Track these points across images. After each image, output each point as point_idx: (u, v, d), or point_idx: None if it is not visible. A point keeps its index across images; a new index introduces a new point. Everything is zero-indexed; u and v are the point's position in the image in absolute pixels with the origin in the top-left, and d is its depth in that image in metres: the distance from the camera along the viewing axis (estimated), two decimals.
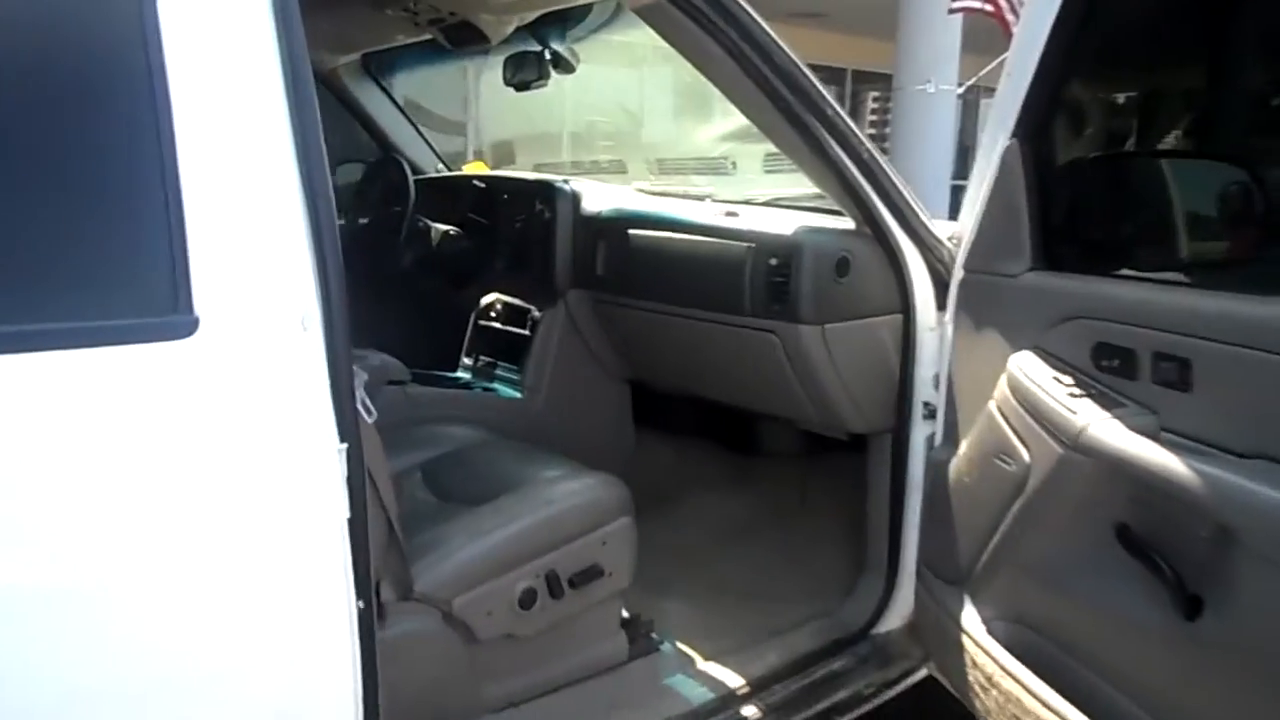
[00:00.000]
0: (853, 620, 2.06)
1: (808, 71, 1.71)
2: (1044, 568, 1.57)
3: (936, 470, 1.86)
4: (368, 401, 1.37)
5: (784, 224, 2.01)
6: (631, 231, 2.27)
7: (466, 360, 2.69)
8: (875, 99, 11.34)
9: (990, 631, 1.69)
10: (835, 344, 1.94)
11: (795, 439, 2.47)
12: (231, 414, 1.06)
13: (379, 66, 3.13)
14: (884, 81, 8.24)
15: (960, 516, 1.75)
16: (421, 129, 3.27)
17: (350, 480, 1.19)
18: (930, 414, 1.92)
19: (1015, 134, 1.60)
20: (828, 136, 1.75)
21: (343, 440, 1.15)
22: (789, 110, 1.71)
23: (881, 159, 1.83)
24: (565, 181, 2.52)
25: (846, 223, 1.98)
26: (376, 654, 1.31)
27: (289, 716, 1.16)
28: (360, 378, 1.35)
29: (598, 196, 2.48)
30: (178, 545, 1.05)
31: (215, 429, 1.05)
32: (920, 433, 1.95)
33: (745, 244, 2.01)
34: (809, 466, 2.58)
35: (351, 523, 1.19)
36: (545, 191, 2.51)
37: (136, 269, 1.03)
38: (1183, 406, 1.31)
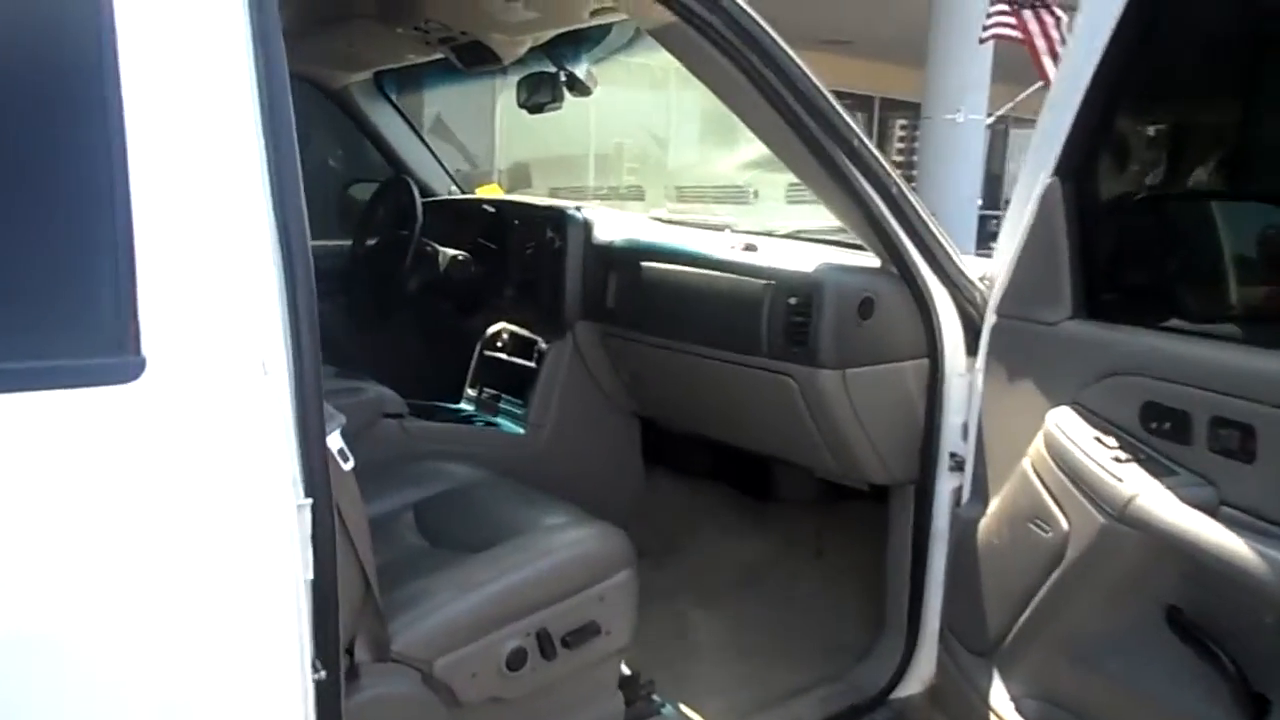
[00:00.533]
0: (870, 683, 1.93)
1: (833, 99, 1.59)
2: (1082, 646, 1.43)
3: (964, 529, 1.73)
4: (345, 448, 1.26)
5: (805, 260, 1.89)
6: (644, 264, 2.16)
7: (470, 392, 2.58)
8: (903, 127, 11.23)
9: (1020, 710, 1.55)
10: (856, 390, 1.81)
11: (813, 485, 2.34)
12: (180, 466, 0.95)
13: (396, 85, 3.06)
14: (912, 110, 8.12)
15: (989, 582, 1.62)
16: (435, 150, 3.18)
17: (316, 538, 1.09)
18: (957, 466, 1.79)
19: (1057, 171, 1.48)
20: (853, 169, 1.63)
21: (308, 495, 1.04)
22: (812, 139, 1.59)
23: (910, 193, 1.72)
24: (578, 209, 2.42)
25: (871, 260, 1.86)
26: None
27: None
28: (337, 421, 1.24)
29: (611, 225, 2.37)
30: (112, 607, 0.94)
31: (161, 481, 0.95)
32: (946, 485, 1.82)
33: (763, 281, 1.89)
34: (827, 515, 2.45)
35: (316, 584, 1.08)
36: (556, 219, 2.40)
37: (77, 305, 0.93)
38: (1245, 479, 1.18)
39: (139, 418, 0.93)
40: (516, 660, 1.50)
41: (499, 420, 2.43)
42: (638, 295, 2.19)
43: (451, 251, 2.66)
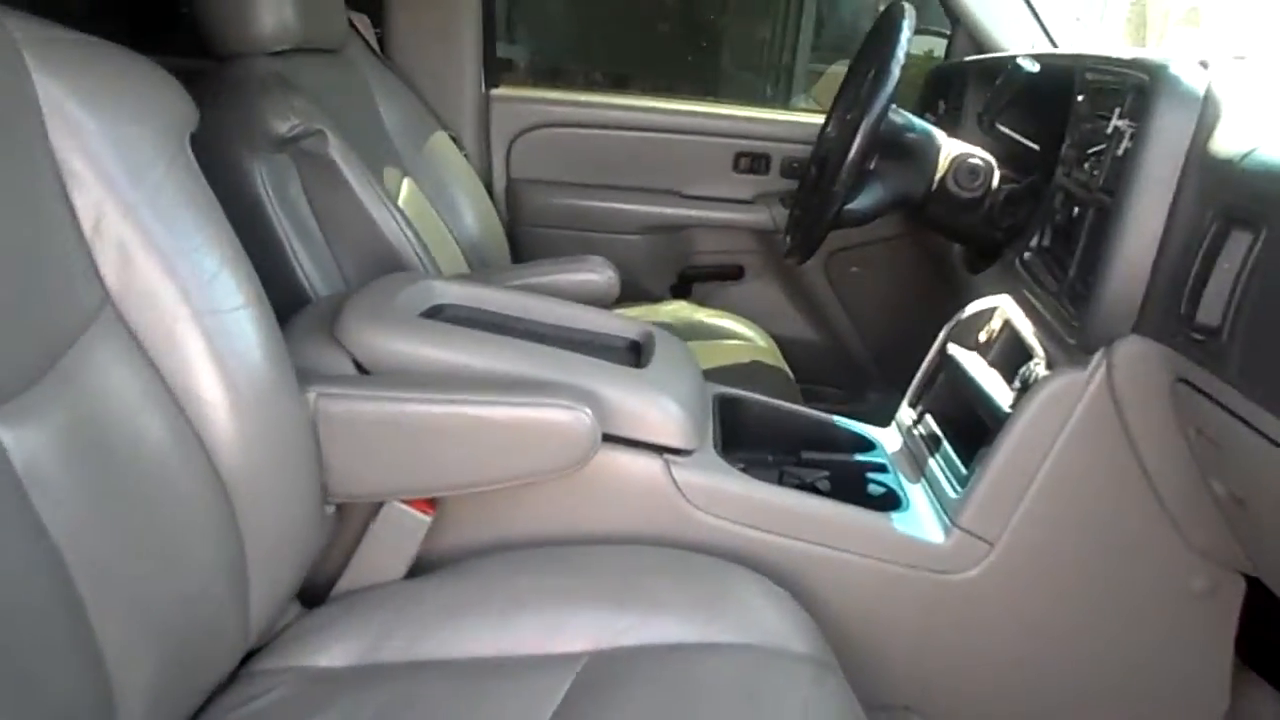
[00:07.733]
0: None
1: None
2: None
3: None
4: None
5: None
6: None
7: (906, 415, 1.37)
8: None
9: None
10: None
11: None
12: None
13: None
14: None
15: None
16: None
17: None
18: None
19: None
20: None
21: None
22: None
23: None
24: (1202, 64, 1.01)
25: None
26: None
27: None
28: None
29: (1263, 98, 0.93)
30: None
31: None
32: None
33: None
34: None
35: None
36: (1135, 84, 1.03)
37: None
38: None
39: None
40: None
41: (913, 492, 1.19)
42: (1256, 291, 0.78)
43: (960, 149, 1.44)
